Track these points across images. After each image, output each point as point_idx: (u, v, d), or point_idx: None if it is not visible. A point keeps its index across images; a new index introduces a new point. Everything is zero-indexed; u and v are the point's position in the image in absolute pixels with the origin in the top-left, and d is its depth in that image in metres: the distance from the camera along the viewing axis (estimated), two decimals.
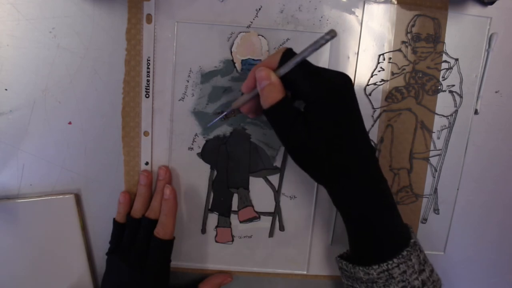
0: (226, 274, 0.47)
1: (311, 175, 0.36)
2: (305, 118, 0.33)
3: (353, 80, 0.44)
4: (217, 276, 0.46)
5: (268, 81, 0.33)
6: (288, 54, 0.34)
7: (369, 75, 0.44)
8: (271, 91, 0.34)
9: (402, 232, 0.36)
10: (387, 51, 0.43)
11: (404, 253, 0.34)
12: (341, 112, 0.33)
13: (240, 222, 0.47)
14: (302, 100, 0.35)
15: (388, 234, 0.35)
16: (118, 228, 0.43)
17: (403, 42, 0.43)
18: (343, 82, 0.34)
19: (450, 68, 0.44)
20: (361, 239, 0.36)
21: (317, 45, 0.32)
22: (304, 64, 0.34)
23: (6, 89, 0.41)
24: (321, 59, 0.43)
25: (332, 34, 0.31)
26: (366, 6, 0.42)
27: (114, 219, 0.43)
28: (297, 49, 0.42)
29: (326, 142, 0.33)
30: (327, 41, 0.31)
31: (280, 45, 0.42)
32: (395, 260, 0.33)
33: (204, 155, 0.45)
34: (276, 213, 0.46)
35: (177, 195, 0.43)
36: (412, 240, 0.35)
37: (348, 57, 0.43)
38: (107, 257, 0.43)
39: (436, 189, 0.47)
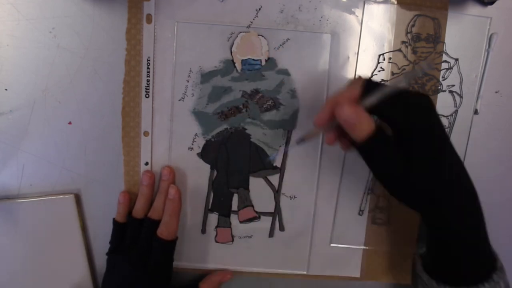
0: (225, 271, 0.47)
1: (407, 205, 0.35)
2: (399, 147, 0.32)
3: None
4: (217, 274, 0.46)
5: (355, 114, 0.31)
6: (370, 84, 0.33)
7: (369, 75, 0.44)
8: (362, 124, 0.31)
9: (490, 255, 0.36)
10: (387, 51, 0.43)
11: (495, 277, 0.33)
12: (438, 137, 0.32)
13: (240, 222, 0.46)
14: (392, 127, 0.34)
15: (480, 258, 0.35)
16: (118, 228, 0.43)
17: (403, 42, 0.43)
18: (430, 104, 0.33)
19: (450, 68, 0.44)
20: (452, 260, 0.35)
21: (412, 75, 0.31)
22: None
23: (6, 89, 0.41)
24: (321, 59, 0.43)
25: (431, 66, 0.30)
26: (366, 6, 0.42)
27: (114, 219, 0.43)
28: (297, 49, 0.42)
29: (428, 170, 0.32)
30: (422, 72, 0.31)
31: (280, 45, 0.42)
32: (486, 284, 0.33)
33: (204, 155, 0.45)
34: (276, 213, 0.46)
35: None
36: (499, 264, 0.35)
37: (348, 57, 0.43)
38: (107, 257, 0.43)
39: None
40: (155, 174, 0.44)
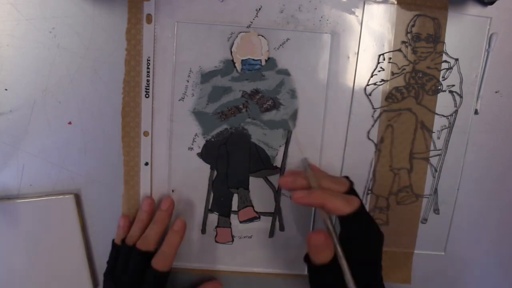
0: (215, 282, 0.46)
1: None
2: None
3: (353, 81, 0.44)
4: (206, 284, 0.46)
5: (321, 242, 0.33)
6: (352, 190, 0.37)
7: (369, 75, 0.44)
8: (319, 252, 0.34)
9: None
10: (387, 51, 0.43)
11: None
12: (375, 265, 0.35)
13: (240, 222, 0.47)
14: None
15: None
16: (116, 251, 0.42)
17: (403, 42, 0.43)
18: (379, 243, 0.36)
19: (450, 68, 0.44)
20: None
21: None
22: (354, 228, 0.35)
23: (6, 89, 0.41)
24: (321, 59, 0.43)
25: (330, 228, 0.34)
26: (366, 6, 0.42)
27: (113, 240, 0.43)
28: (297, 49, 0.42)
29: None
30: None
31: (280, 45, 0.42)
32: None
33: (204, 155, 0.45)
34: (276, 213, 0.46)
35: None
36: None
37: (348, 57, 0.43)
38: (104, 278, 0.43)
39: (436, 189, 0.47)
40: (152, 175, 0.44)
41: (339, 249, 0.34)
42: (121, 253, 0.41)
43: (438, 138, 0.45)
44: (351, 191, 0.38)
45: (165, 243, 0.41)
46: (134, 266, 0.40)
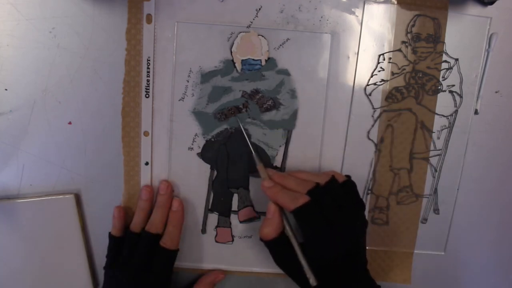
0: (217, 271, 0.47)
1: None
2: (302, 249, 0.37)
3: (353, 81, 0.43)
4: (209, 274, 0.46)
5: (269, 215, 0.38)
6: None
7: (369, 75, 0.44)
8: (266, 226, 0.38)
9: None
10: (387, 51, 0.43)
11: None
12: (339, 255, 0.36)
13: (240, 222, 0.47)
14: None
15: None
16: (115, 242, 0.43)
17: (403, 42, 0.43)
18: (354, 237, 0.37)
19: (450, 68, 0.44)
20: None
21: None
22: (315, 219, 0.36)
23: (6, 89, 0.41)
24: (321, 59, 0.43)
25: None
26: (366, 6, 0.42)
27: (109, 233, 0.43)
28: (297, 49, 0.42)
29: (322, 276, 0.36)
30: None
31: (280, 45, 0.42)
32: None
33: (204, 155, 0.45)
34: None
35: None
36: None
37: (348, 57, 0.43)
38: (104, 271, 0.43)
39: (436, 189, 0.47)
40: (152, 175, 0.44)
41: (287, 228, 0.38)
42: (128, 240, 0.43)
43: (438, 138, 0.45)
44: (348, 186, 0.40)
45: (169, 224, 0.43)
46: (144, 249, 0.41)
